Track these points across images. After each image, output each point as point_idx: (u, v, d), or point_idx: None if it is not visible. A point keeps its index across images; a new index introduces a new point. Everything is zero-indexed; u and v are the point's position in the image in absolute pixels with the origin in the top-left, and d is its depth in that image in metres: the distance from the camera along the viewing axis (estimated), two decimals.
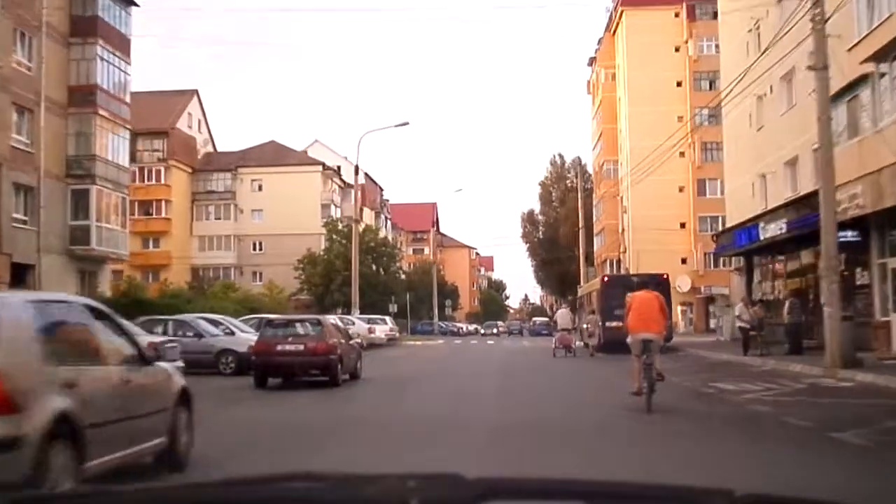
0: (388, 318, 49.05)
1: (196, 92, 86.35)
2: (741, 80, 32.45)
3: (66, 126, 39.70)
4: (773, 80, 34.62)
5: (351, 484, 2.09)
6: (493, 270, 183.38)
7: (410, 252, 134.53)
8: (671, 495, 2.14)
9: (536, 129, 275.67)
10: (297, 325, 21.20)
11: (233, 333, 25.76)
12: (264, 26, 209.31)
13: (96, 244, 40.12)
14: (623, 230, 72.68)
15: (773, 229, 31.14)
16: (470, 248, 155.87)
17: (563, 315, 37.65)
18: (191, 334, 24.67)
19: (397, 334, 48.70)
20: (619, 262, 71.81)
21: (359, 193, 59.10)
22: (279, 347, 19.80)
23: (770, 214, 32.42)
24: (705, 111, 71.78)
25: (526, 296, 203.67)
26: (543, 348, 43.66)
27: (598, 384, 22.25)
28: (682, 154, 74.11)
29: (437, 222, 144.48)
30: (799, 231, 28.14)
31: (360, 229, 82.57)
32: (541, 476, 2.58)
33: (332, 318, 23.03)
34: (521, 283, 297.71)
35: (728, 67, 41.80)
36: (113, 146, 41.84)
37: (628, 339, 15.81)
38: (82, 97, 39.98)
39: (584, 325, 39.77)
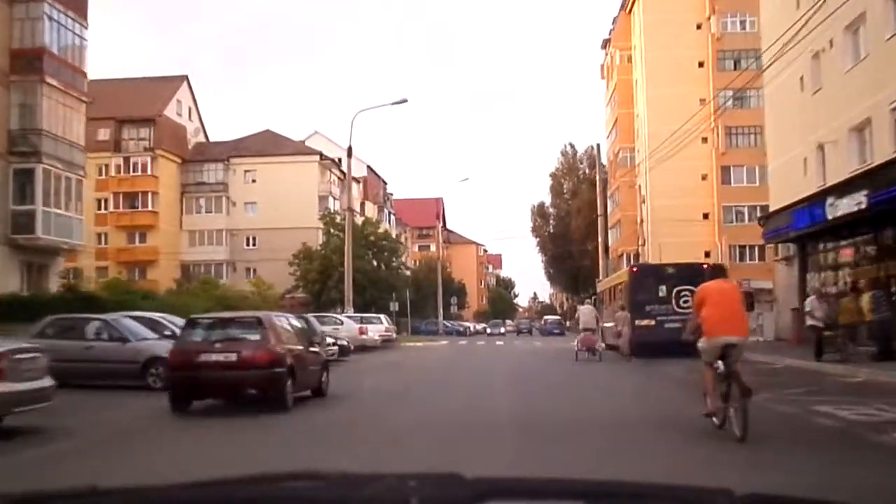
0: (383, 317, 43.21)
1: (186, 78, 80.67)
2: (786, 38, 26.77)
3: (8, 96, 34.00)
4: (834, 32, 28.75)
5: (352, 483, 2.07)
6: (501, 268, 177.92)
7: (416, 249, 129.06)
8: (672, 495, 2.07)
9: (546, 119, 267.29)
10: (231, 326, 15.22)
11: (174, 337, 19.88)
12: (263, 12, 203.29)
13: (43, 232, 34.31)
14: (642, 221, 66.78)
15: (845, 206, 25.15)
16: (478, 244, 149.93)
17: (586, 313, 31.86)
18: (110, 338, 18.83)
19: (394, 335, 42.83)
20: (637, 255, 65.90)
21: (351, 177, 53.16)
22: (203, 357, 13.88)
23: (838, 189, 26.45)
24: (730, 92, 66.31)
25: (535, 294, 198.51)
26: (559, 350, 38.00)
27: (649, 401, 16.50)
28: (704, 140, 68.47)
29: (443, 218, 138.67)
30: (889, 206, 22.20)
31: (360, 221, 77.07)
32: (541, 476, 2.92)
33: (285, 318, 16.96)
34: (530, 281, 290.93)
35: (771, 27, 35.84)
36: (65, 120, 36.04)
37: (700, 344, 11.55)
38: (27, 62, 34.21)
39: (609, 324, 33.99)
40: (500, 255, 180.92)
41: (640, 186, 71.91)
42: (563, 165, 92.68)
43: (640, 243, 65.46)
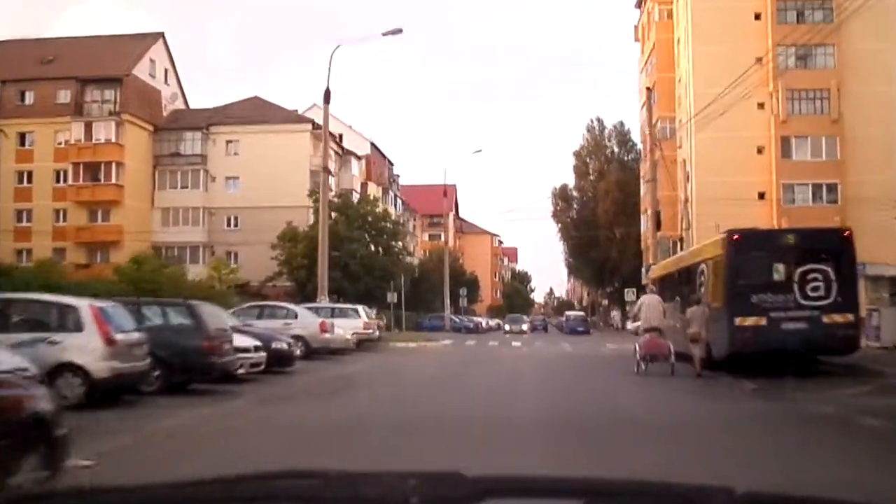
0: (362, 310, 31.54)
1: (162, 35, 69.89)
2: None
3: None
4: None
5: (352, 481, 2.06)
6: (516, 262, 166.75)
7: (426, 238, 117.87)
8: (672, 493, 2.08)
9: (570, 95, 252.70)
10: None
11: None
12: None
13: None
14: (686, 200, 55.30)
15: None
16: (493, 234, 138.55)
17: (651, 306, 21.28)
18: None
19: (377, 332, 31.47)
20: (681, 240, 54.51)
21: (328, 132, 42.17)
22: None
23: None
24: (792, 49, 54.88)
25: (551, 289, 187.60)
26: (597, 357, 27.64)
27: None
28: (760, 105, 57.18)
29: (455, 205, 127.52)
30: None
31: (353, 198, 65.95)
32: (541, 474, 2.73)
33: None
34: (545, 276, 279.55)
35: None
36: None
37: None
38: None
39: (669, 323, 22.79)
40: (516, 249, 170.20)
41: (683, 162, 60.63)
42: (588, 143, 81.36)
43: (683, 227, 54.15)
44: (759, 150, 57.01)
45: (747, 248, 19.88)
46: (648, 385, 18.24)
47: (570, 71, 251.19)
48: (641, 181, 69.61)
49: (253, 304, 25.43)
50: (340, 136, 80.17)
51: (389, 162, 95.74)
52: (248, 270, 61.00)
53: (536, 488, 2.13)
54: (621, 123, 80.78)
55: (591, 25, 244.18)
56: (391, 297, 56.03)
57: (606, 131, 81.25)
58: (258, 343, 17.97)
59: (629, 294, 63.51)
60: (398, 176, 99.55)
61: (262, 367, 17.90)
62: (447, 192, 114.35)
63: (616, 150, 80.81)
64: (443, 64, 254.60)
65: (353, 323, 29.54)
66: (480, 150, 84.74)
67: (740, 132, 54.69)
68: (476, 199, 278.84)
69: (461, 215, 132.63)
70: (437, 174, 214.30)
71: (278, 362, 19.44)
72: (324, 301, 34.24)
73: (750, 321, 18.78)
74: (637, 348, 21.25)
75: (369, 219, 61.46)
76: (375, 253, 61.27)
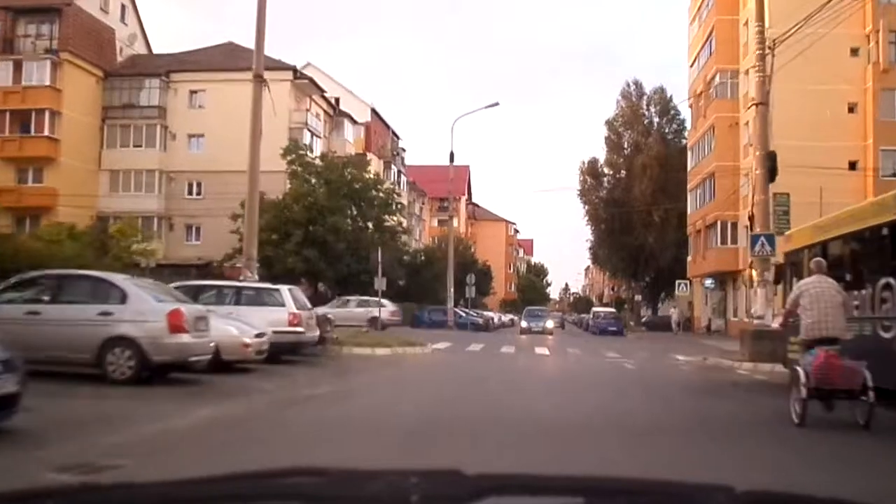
0: (286, 293, 17.76)
1: None
2: None
3: None
4: None
5: (352, 479, 2.03)
6: (532, 255, 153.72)
7: (435, 223, 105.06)
8: (672, 492, 2.01)
9: (591, 85, 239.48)
10: None
11: None
12: None
13: None
14: (757, 170, 42.17)
15: None
16: (508, 221, 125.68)
17: (824, 298, 9.86)
18: None
19: (317, 332, 18.48)
20: (750, 220, 41.52)
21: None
22: None
23: None
24: None
25: (566, 285, 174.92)
26: (682, 381, 15.90)
27: None
28: (853, 52, 44.28)
29: (469, 189, 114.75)
30: None
31: (333, 158, 53.18)
32: (541, 473, 2.53)
33: None
34: (559, 272, 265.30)
35: None
36: None
37: None
38: None
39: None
40: (532, 241, 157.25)
41: (747, 125, 47.76)
42: (623, 111, 68.09)
43: (753, 201, 41.14)
44: (851, 108, 44.23)
45: None
46: (851, 462, 6.36)
47: (595, 59, 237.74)
48: (689, 153, 56.81)
49: (36, 274, 12.80)
50: (337, 101, 67.61)
51: (394, 134, 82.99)
52: (211, 247, 48.64)
53: (536, 487, 2.06)
54: (662, 89, 67.65)
55: (622, 9, 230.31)
56: (379, 284, 43.28)
57: (645, 98, 68.15)
58: None
59: (682, 287, 50.77)
60: (404, 150, 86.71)
61: None
62: (458, 169, 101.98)
63: (656, 119, 67.70)
64: (461, 51, 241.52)
65: (271, 315, 16.88)
66: (497, 104, 72.38)
67: (827, 85, 42.00)
68: (491, 184, 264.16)
69: (474, 200, 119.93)
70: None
71: None
72: (250, 279, 21.73)
73: None
74: (801, 376, 10.10)
75: (357, 186, 48.77)
76: (364, 229, 48.64)
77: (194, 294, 16.97)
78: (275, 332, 16.70)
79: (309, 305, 19.01)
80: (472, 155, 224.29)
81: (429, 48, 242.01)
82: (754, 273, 37.13)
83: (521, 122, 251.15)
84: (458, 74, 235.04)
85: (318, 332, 18.60)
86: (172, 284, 17.26)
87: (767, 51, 23.04)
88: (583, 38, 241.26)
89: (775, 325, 25.13)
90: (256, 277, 22.63)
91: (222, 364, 14.41)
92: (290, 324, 17.20)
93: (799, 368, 10.46)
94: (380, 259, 30.40)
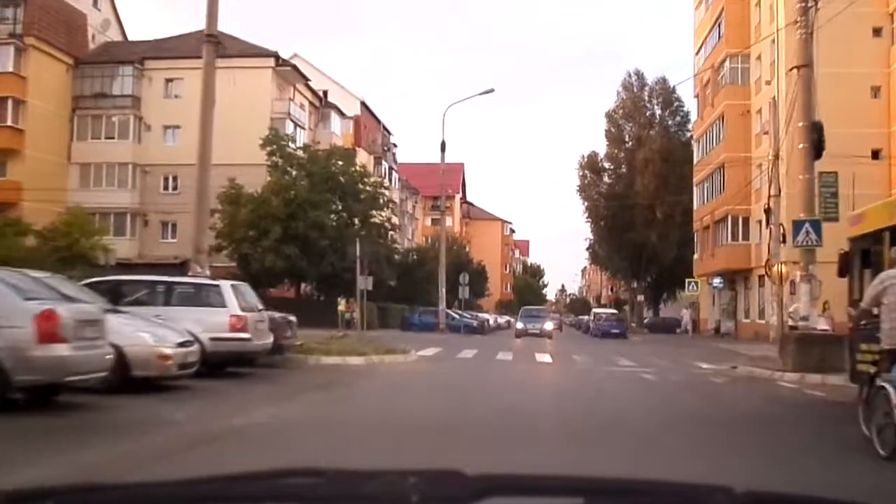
0: (228, 291, 14.02)
1: None
2: None
3: None
4: None
5: (351, 480, 1.97)
6: (528, 255, 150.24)
7: (428, 223, 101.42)
8: (671, 492, 1.99)
9: (588, 88, 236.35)
10: None
11: None
12: None
13: None
14: (777, 157, 38.64)
15: None
16: (504, 221, 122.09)
17: None
18: None
19: (270, 338, 14.91)
20: (767, 212, 38.03)
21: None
22: None
23: None
24: None
25: (563, 286, 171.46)
26: (720, 398, 12.76)
27: None
28: (876, 32, 40.94)
29: (463, 187, 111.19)
30: None
31: (317, 149, 49.60)
32: (541, 473, 2.49)
33: None
34: (555, 273, 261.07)
35: None
36: None
37: None
38: None
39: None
40: (528, 241, 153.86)
41: (760, 112, 44.33)
42: (624, 102, 64.49)
43: (772, 192, 37.69)
44: (875, 92, 40.78)
45: None
46: None
47: (593, 59, 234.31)
48: (695, 146, 53.43)
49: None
50: (325, 93, 64.11)
51: (385, 129, 79.43)
52: (189, 245, 44.67)
53: (536, 487, 2.05)
54: (664, 80, 64.08)
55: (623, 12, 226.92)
56: (363, 283, 39.70)
57: (647, 89, 64.55)
58: None
59: (692, 286, 47.26)
60: (395, 146, 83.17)
61: None
62: (452, 166, 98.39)
63: (659, 112, 64.13)
64: (457, 50, 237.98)
65: (210, 318, 13.37)
66: (492, 90, 68.47)
67: (848, 68, 38.52)
68: (487, 183, 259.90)
69: (469, 199, 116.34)
70: (447, 155, 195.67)
71: None
72: (199, 274, 18.22)
73: None
74: (892, 396, 7.76)
75: (342, 179, 45.23)
76: (349, 224, 45.07)
77: (113, 292, 13.48)
78: (212, 340, 13.21)
79: (259, 306, 15.40)
80: (467, 153, 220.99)
81: (424, 46, 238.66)
82: (781, 268, 33.62)
83: (516, 121, 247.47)
84: (454, 72, 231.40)
85: (270, 339, 15.04)
86: (86, 281, 13.79)
87: (811, 2, 19.39)
88: (583, 36, 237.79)
89: (822, 326, 21.81)
90: (208, 273, 19.14)
91: (133, 382, 10.93)
92: (233, 328, 13.64)
93: (888, 387, 7.89)
94: (358, 254, 26.43)
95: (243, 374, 14.41)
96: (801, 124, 19.41)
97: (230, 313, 13.75)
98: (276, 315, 16.73)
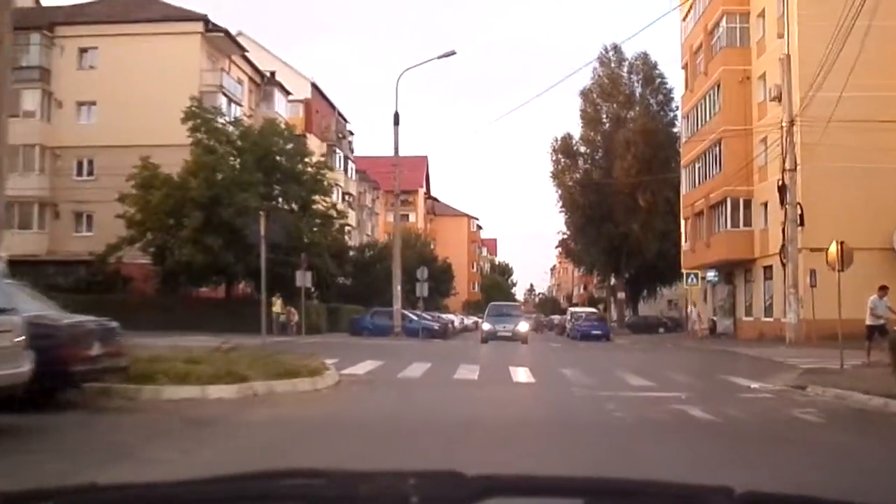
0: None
1: None
2: None
3: None
4: None
5: (350, 480, 1.96)
6: (496, 254, 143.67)
7: (390, 219, 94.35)
8: (671, 492, 1.97)
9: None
10: None
11: None
12: None
13: None
14: (791, 123, 32.03)
15: None
16: (470, 216, 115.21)
17: None
18: None
19: (120, 359, 8.21)
20: (781, 189, 31.43)
21: None
22: None
23: None
24: None
25: (531, 285, 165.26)
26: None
27: None
28: None
29: (427, 182, 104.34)
30: None
31: (250, 125, 42.54)
32: (541, 474, 2.52)
33: None
34: (524, 273, 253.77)
35: None
36: None
37: None
38: None
39: None
40: (496, 240, 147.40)
41: (763, 77, 37.93)
42: (601, 79, 57.78)
43: (787, 166, 31.16)
44: None
45: None
46: None
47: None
48: (683, 123, 47.01)
49: None
50: (272, 73, 57.00)
51: (341, 115, 72.33)
52: (105, 239, 37.86)
53: (536, 487, 2.03)
54: (645, 55, 57.52)
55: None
56: (301, 280, 32.69)
57: (626, 64, 57.85)
58: None
59: (691, 279, 40.66)
60: (352, 133, 76.13)
61: None
62: (416, 160, 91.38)
63: (639, 89, 57.53)
64: (426, 47, 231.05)
65: None
66: (454, 52, 60.42)
67: (884, 21, 32.00)
68: (453, 180, 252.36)
69: (434, 194, 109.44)
70: (411, 149, 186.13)
71: None
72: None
73: None
74: None
75: (279, 159, 38.20)
76: (289, 211, 38.01)
77: None
78: None
79: (8, 307, 8.48)
80: (431, 148, 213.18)
81: (390, 41, 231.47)
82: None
83: (484, 118, 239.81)
84: (430, 71, 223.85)
85: (26, 366, 8.02)
86: None
87: None
88: (561, 34, 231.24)
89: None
90: (3, 266, 12.26)
91: None
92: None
93: None
94: (262, 230, 19.42)
95: None
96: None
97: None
98: (80, 320, 9.74)
